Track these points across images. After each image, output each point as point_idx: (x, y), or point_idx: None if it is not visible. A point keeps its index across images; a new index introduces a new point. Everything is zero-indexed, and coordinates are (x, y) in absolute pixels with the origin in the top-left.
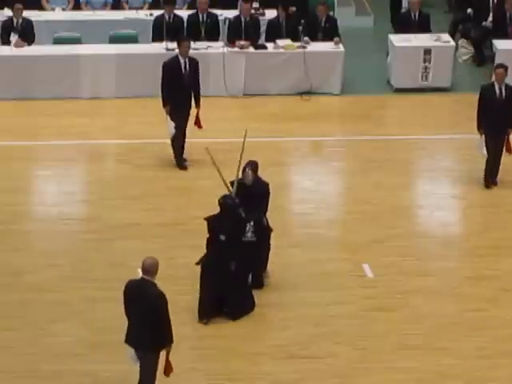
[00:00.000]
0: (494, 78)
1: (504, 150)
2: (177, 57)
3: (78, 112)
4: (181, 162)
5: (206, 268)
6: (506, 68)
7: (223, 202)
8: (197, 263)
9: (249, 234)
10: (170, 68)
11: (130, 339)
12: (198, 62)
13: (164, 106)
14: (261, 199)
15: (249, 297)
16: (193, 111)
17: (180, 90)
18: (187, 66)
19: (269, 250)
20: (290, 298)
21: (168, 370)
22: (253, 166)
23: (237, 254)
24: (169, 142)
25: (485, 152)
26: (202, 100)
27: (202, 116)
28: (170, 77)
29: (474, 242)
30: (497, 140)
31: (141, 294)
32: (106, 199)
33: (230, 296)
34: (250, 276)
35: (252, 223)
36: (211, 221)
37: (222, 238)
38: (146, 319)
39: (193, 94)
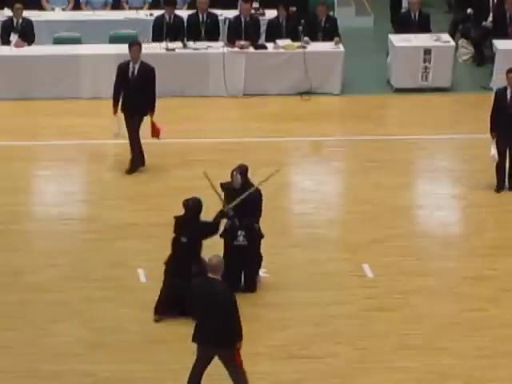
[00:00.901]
0: (507, 83)
1: None
2: (129, 61)
3: (78, 112)
4: (140, 161)
5: (168, 267)
6: None
7: (186, 203)
8: (165, 262)
9: (240, 239)
10: (121, 71)
11: (201, 338)
12: (152, 70)
13: (113, 106)
14: (252, 205)
15: None
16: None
17: (126, 93)
18: (135, 71)
19: (260, 255)
20: (289, 298)
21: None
22: (242, 169)
23: (196, 256)
24: (168, 141)
25: (496, 156)
26: (201, 100)
27: (200, 116)
28: (120, 79)
29: (474, 242)
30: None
31: (212, 292)
32: (106, 199)
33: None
34: (243, 280)
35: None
36: (177, 221)
37: (184, 240)
38: (220, 317)
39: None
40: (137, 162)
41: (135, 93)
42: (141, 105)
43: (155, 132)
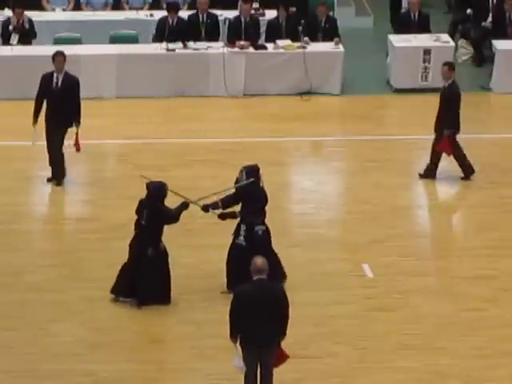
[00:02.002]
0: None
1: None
2: (53, 71)
3: None
4: (60, 174)
5: (130, 248)
6: (448, 66)
7: (148, 187)
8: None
9: (241, 238)
10: (45, 81)
11: (254, 342)
12: (77, 81)
13: (33, 116)
14: (251, 202)
15: (164, 288)
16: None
17: (48, 104)
18: (59, 82)
19: (270, 258)
20: (290, 298)
21: (283, 358)
22: (249, 168)
23: (155, 240)
24: (168, 141)
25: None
26: (201, 100)
27: (200, 116)
28: (43, 89)
29: (474, 241)
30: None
31: (266, 293)
32: (105, 199)
33: (142, 280)
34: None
35: (244, 227)
36: (140, 203)
37: (142, 222)
38: (276, 316)
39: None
40: (58, 174)
41: (59, 104)
42: (64, 116)
43: (77, 144)
